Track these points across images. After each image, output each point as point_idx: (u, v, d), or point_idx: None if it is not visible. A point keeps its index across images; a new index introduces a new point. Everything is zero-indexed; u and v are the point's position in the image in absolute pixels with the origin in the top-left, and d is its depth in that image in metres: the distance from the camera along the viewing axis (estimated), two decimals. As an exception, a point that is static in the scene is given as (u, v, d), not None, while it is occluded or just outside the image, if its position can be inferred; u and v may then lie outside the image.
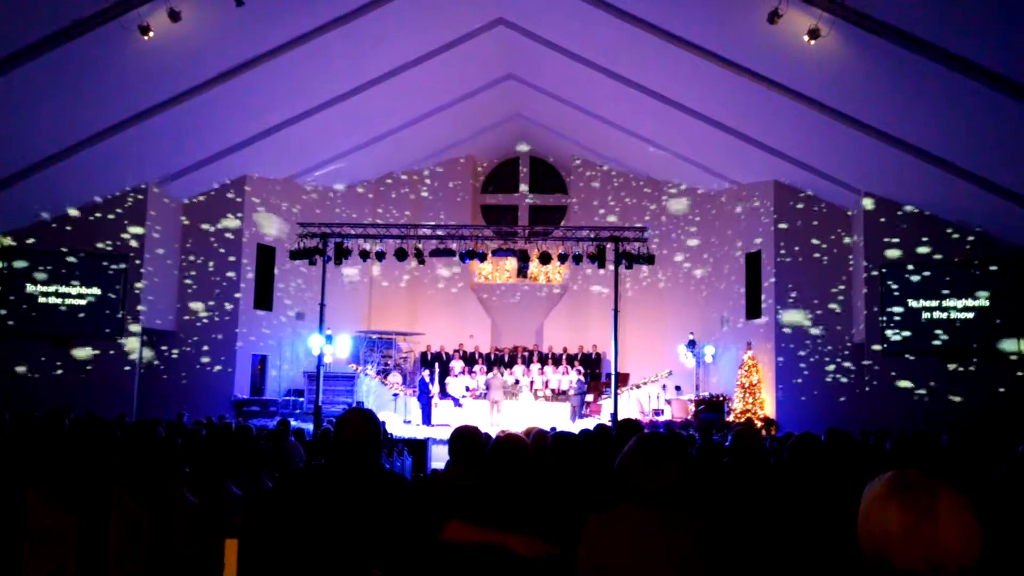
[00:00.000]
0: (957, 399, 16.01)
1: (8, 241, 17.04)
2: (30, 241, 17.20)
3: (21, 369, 16.83)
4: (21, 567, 3.92)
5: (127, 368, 17.32)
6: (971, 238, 16.39)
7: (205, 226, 19.34)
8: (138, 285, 17.54)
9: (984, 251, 16.37)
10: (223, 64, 14.32)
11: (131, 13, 11.81)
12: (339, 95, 16.67)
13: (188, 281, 19.15)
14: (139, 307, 17.53)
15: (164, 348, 18.82)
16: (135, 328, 17.49)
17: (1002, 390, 15.82)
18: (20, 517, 3.92)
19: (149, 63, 13.18)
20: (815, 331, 18.23)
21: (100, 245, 17.46)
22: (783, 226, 18.64)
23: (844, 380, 17.92)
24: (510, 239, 17.85)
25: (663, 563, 2.56)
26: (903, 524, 1.76)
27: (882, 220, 16.93)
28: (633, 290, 21.54)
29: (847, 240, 18.29)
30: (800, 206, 18.62)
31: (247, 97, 15.35)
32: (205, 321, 19.05)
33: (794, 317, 18.34)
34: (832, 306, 18.25)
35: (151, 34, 12.10)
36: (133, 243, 17.58)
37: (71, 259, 17.29)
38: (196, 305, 19.09)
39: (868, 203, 16.98)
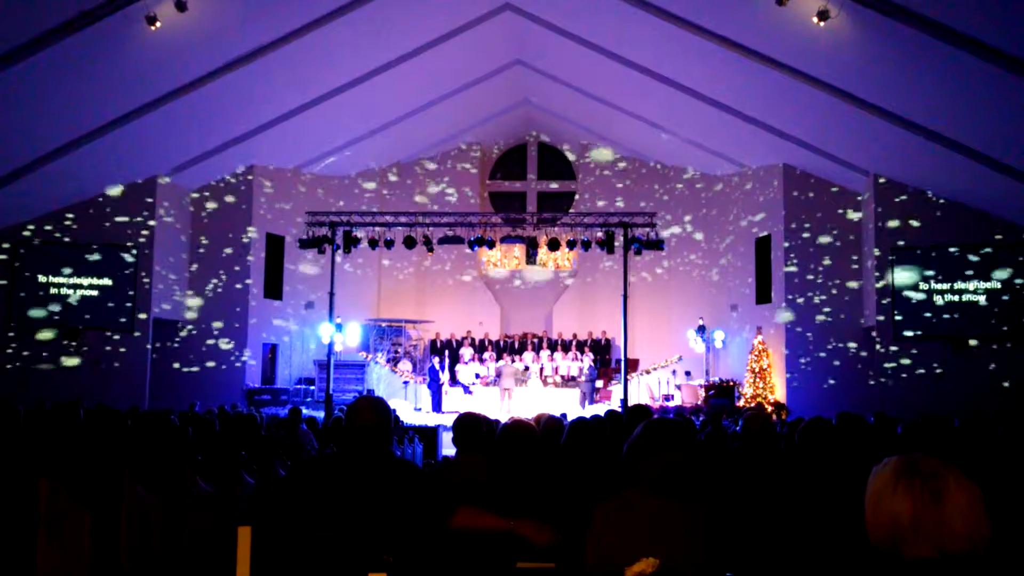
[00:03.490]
0: (969, 383, 15.94)
1: (19, 232, 17.14)
2: (41, 232, 17.28)
3: (32, 360, 16.96)
4: (36, 557, 3.96)
5: (139, 358, 17.41)
6: (981, 220, 16.27)
7: (214, 216, 19.38)
8: (148, 276, 17.61)
9: (996, 233, 16.25)
10: (229, 54, 14.31)
11: (138, 3, 11.81)
12: (346, 83, 16.64)
13: (198, 270, 19.20)
14: (149, 297, 17.61)
15: (175, 338, 18.91)
16: (145, 318, 17.58)
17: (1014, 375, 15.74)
18: (34, 508, 3.96)
19: (156, 53, 13.18)
20: (825, 315, 18.15)
21: (110, 236, 17.53)
22: (792, 209, 18.54)
23: (855, 364, 17.85)
24: (519, 226, 17.83)
25: (666, 549, 2.56)
26: (910, 510, 1.75)
27: (892, 202, 16.83)
28: (642, 276, 21.49)
29: (857, 222, 18.18)
30: (810, 189, 18.51)
31: (254, 86, 15.35)
32: (215, 311, 19.12)
33: (803, 301, 18.26)
34: (842, 289, 18.16)
35: (158, 24, 12.09)
36: (143, 233, 17.65)
37: (81, 250, 17.37)
38: (206, 295, 19.16)
39: (878, 185, 16.87)
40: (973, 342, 16.21)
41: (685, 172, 21.70)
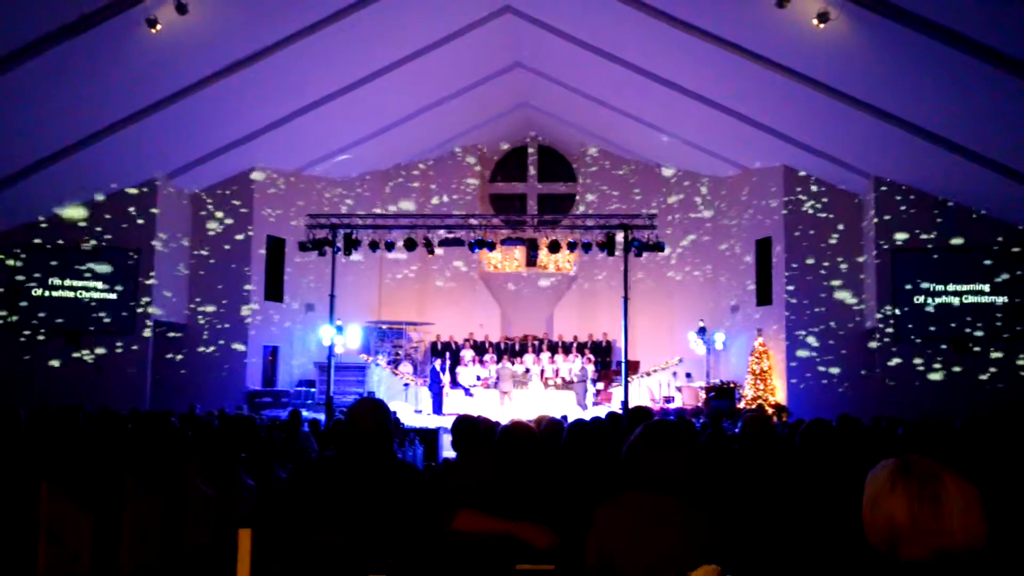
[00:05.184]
0: (970, 385, 15.93)
1: (20, 235, 17.14)
2: (42, 235, 17.28)
3: (33, 362, 16.96)
4: (37, 560, 3.96)
5: (139, 361, 17.41)
6: (982, 222, 16.27)
7: (215, 218, 19.39)
8: (149, 279, 17.62)
9: (996, 235, 16.26)
10: (230, 56, 14.32)
11: (138, 6, 11.83)
12: (346, 86, 16.65)
13: (199, 273, 19.21)
14: (150, 300, 17.61)
15: (176, 340, 18.90)
16: (147, 321, 17.58)
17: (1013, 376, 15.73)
18: (35, 511, 3.96)
19: (157, 56, 13.19)
20: (826, 317, 18.14)
21: (110, 239, 17.54)
22: (793, 212, 18.54)
23: (855, 366, 17.83)
24: (519, 228, 17.82)
25: (667, 551, 2.56)
26: (907, 511, 1.75)
27: (893, 204, 16.83)
28: (643, 277, 21.48)
29: (858, 224, 18.17)
30: (810, 191, 18.52)
31: (254, 89, 15.35)
32: (216, 313, 19.12)
33: (804, 303, 18.25)
34: (843, 291, 18.15)
35: (159, 27, 12.10)
36: (143, 237, 17.65)
37: (82, 254, 17.37)
38: (207, 297, 19.15)
39: (878, 187, 16.88)
40: (974, 344, 16.20)
41: (685, 174, 21.70)
